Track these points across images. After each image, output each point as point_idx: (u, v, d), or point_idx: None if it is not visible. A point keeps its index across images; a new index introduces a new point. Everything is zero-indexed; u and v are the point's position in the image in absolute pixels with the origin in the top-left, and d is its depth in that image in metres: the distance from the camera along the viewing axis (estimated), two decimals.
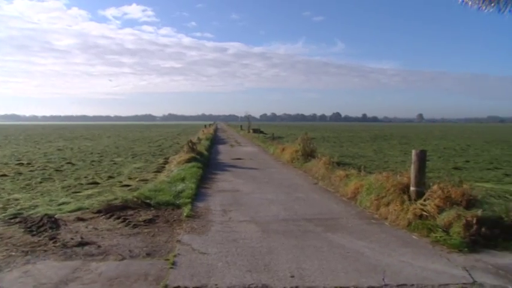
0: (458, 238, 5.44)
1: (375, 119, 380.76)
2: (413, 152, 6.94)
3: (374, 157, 18.85)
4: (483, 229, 5.45)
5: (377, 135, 46.39)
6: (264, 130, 47.89)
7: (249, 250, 5.21)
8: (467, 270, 4.56)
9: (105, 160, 17.46)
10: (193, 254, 5.03)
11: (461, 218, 5.66)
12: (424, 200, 6.49)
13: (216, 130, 60.58)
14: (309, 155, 14.66)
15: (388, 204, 6.95)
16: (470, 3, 4.84)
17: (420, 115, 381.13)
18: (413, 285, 4.16)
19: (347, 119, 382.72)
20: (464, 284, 4.21)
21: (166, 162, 15.76)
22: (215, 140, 33.25)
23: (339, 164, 12.95)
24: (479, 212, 5.66)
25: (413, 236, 5.89)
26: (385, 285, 4.17)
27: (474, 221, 5.51)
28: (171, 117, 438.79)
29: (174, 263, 4.70)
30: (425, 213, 6.25)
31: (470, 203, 6.24)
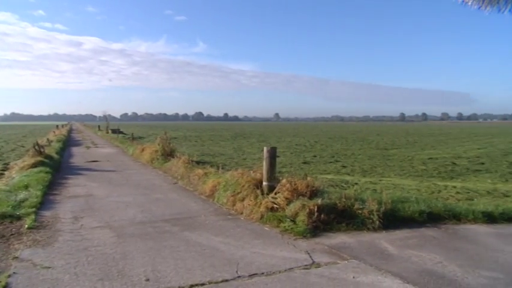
0: (303, 225, 6.04)
1: (236, 118, 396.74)
2: (265, 149, 7.46)
3: (234, 155, 19.62)
4: (322, 215, 6.17)
5: (237, 134, 48.41)
6: (124, 130, 45.66)
7: (101, 257, 4.91)
8: (308, 253, 5.11)
9: None
10: (34, 271, 4.51)
11: (305, 208, 6.30)
12: (275, 194, 7.03)
13: (70, 131, 55.28)
14: (168, 154, 14.51)
15: (243, 200, 7.33)
16: (470, 3, 5.06)
17: (277, 114, 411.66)
18: (263, 273, 4.48)
19: (209, 118, 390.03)
20: (305, 265, 4.71)
21: (6, 169, 13.76)
22: (69, 142, 30.33)
23: (198, 162, 13.13)
24: (319, 201, 6.38)
25: (265, 228, 6.33)
26: (239, 276, 4.39)
27: (315, 209, 6.20)
28: (15, 117, 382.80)
29: (6, 285, 4.13)
30: (275, 205, 6.78)
31: (314, 194, 6.98)
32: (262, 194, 7.20)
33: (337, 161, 16.64)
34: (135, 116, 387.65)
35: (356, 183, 10.50)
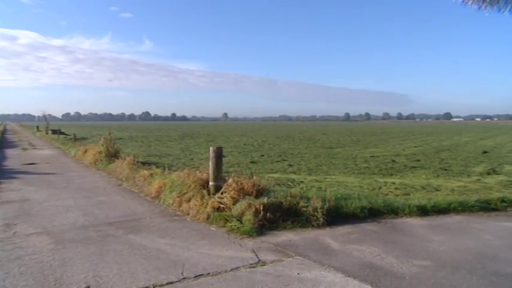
0: (249, 224, 6.10)
1: (184, 118, 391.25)
2: (211, 149, 7.44)
3: (181, 155, 19.35)
4: (268, 214, 6.27)
5: (185, 134, 47.78)
6: (66, 131, 43.41)
7: (36, 267, 4.65)
8: (254, 252, 5.17)
9: None
10: None
11: (251, 207, 6.37)
12: (222, 194, 7.04)
13: (4, 132, 51.59)
14: (113, 156, 14.02)
15: (189, 200, 7.26)
16: (470, 2, 4.98)
17: (225, 114, 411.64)
18: (209, 273, 4.48)
19: (157, 118, 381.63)
20: (251, 264, 4.77)
21: None
22: (2, 144, 28.36)
23: (144, 163, 12.82)
24: (265, 200, 6.48)
25: (212, 228, 6.32)
26: (184, 278, 4.35)
27: (261, 208, 6.29)
28: None
29: None
30: (222, 205, 6.78)
31: (260, 193, 7.07)
32: (209, 194, 7.18)
33: (284, 160, 16.93)
34: (78, 116, 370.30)
35: (302, 182, 10.76)
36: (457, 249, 5.31)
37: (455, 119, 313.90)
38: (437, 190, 9.58)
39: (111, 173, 12.39)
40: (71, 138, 28.67)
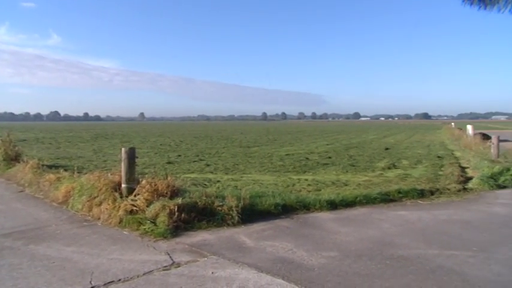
0: (164, 226, 5.98)
1: (97, 118, 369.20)
2: (123, 149, 7.15)
3: (93, 157, 18.29)
4: (183, 215, 6.21)
5: (98, 135, 45.21)
6: None
7: None
8: (168, 254, 5.09)
9: None
10: None
11: (165, 208, 6.25)
12: (135, 196, 6.80)
13: None
14: (13, 159, 12.78)
15: (100, 204, 6.90)
16: (470, 3, 4.79)
17: (142, 114, 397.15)
18: (120, 279, 4.30)
19: (67, 118, 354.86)
20: (165, 266, 4.68)
21: None
22: None
23: (51, 167, 11.91)
24: (179, 200, 6.40)
25: (125, 232, 6.08)
26: (93, 287, 4.13)
27: (176, 209, 6.21)
28: None
29: None
30: (135, 208, 6.56)
31: (175, 193, 6.97)
32: (121, 197, 6.90)
33: (201, 160, 16.85)
34: None
35: (218, 181, 10.80)
36: (361, 239, 5.75)
37: (363, 118, 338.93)
38: (346, 185, 10.24)
39: (10, 178, 11.28)
40: None
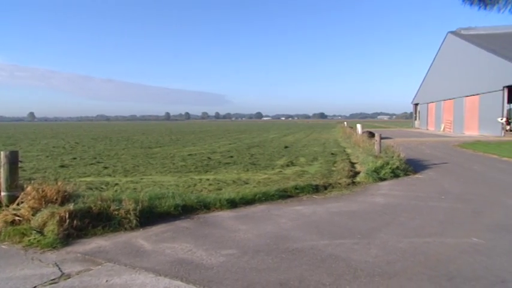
0: (53, 235, 5.53)
1: None
2: (2, 153, 6.43)
3: None
4: (75, 221, 5.81)
5: None
6: None
7: None
8: (57, 265, 4.72)
9: None
10: None
11: (55, 215, 5.78)
12: (18, 204, 6.19)
13: None
14: None
15: None
16: (470, 3, 4.48)
17: (32, 114, 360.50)
18: None
19: None
20: (52, 280, 4.33)
21: None
22: None
23: None
24: (71, 206, 5.97)
25: (3, 246, 5.46)
26: None
27: (67, 216, 5.78)
28: None
29: None
30: (18, 217, 5.97)
31: (66, 199, 6.49)
32: (1, 207, 6.21)
33: (99, 162, 15.89)
34: None
35: (117, 184, 10.30)
36: (259, 235, 5.97)
37: (265, 118, 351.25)
38: (246, 183, 10.51)
39: None
40: None
